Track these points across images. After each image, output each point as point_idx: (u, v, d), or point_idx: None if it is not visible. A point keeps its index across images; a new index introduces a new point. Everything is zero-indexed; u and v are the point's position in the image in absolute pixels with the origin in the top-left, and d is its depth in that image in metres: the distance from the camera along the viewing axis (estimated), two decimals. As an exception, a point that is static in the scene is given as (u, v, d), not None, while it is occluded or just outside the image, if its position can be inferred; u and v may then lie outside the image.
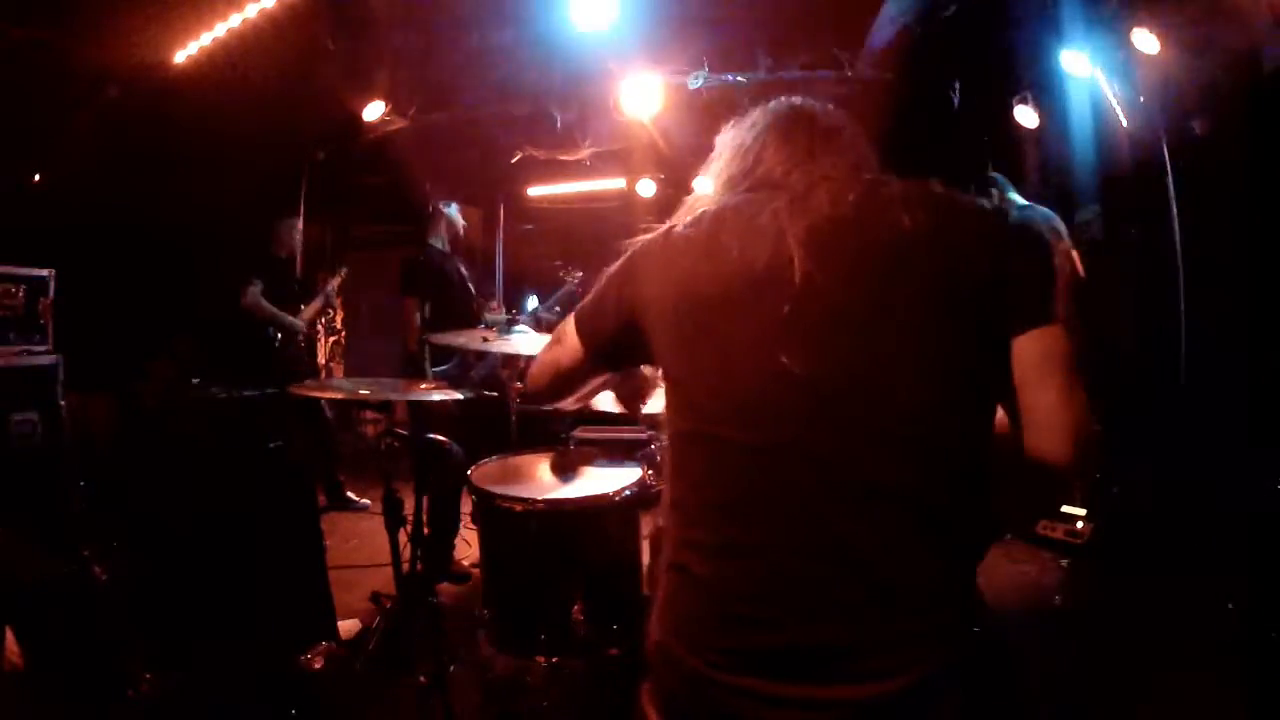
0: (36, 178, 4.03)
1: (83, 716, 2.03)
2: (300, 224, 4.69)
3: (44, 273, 3.32)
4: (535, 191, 6.91)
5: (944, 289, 0.92)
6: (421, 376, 3.37)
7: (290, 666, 2.18)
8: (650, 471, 2.08)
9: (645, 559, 2.05)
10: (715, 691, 0.91)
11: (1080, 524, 3.37)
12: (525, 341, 2.48)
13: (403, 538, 2.10)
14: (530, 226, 7.36)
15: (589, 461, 2.20)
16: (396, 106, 4.76)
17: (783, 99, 1.15)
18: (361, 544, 3.69)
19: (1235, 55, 3.24)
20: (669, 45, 4.21)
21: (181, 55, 3.80)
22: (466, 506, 3.29)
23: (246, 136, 4.18)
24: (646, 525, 2.04)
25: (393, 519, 2.06)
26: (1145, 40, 3.52)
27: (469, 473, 2.08)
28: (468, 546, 3.52)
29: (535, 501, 1.90)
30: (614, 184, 6.41)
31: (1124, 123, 3.97)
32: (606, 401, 1.62)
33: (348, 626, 2.64)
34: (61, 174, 3.98)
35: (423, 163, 4.99)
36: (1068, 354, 0.92)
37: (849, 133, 1.12)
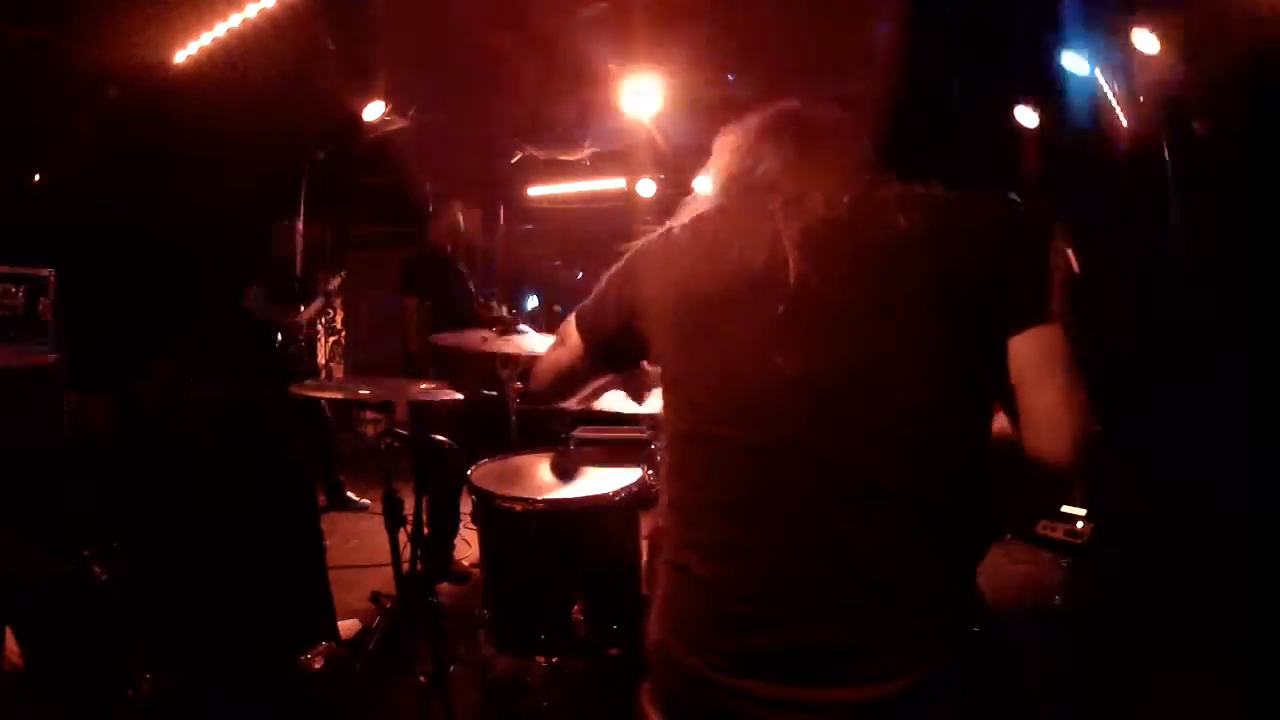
0: (36, 178, 4.03)
1: (83, 716, 2.03)
2: (300, 224, 4.69)
3: (44, 273, 3.33)
4: (535, 191, 6.91)
5: (943, 289, 0.92)
6: (421, 376, 3.37)
7: (290, 666, 2.18)
8: (650, 471, 2.08)
9: (645, 559, 2.05)
10: (715, 692, 0.91)
11: (1080, 524, 3.36)
12: (525, 342, 2.48)
13: (403, 538, 2.10)
14: (530, 226, 7.35)
15: (589, 461, 2.20)
16: (396, 106, 4.76)
17: (780, 102, 1.15)
18: (361, 544, 3.69)
19: (1235, 55, 3.24)
20: (669, 45, 4.21)
21: (181, 55, 3.79)
22: (466, 506, 3.30)
23: (246, 136, 4.18)
24: (646, 525, 2.04)
25: (393, 519, 2.07)
26: (1145, 40, 3.52)
27: (469, 473, 2.08)
28: (468, 546, 3.52)
29: (535, 501, 1.90)
30: (614, 184, 6.40)
31: (1124, 123, 3.98)
32: (608, 402, 1.63)
33: (348, 626, 2.64)
34: (61, 174, 3.98)
35: (423, 163, 4.99)
36: (1067, 353, 0.92)
37: (847, 134, 1.12)
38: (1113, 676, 2.34)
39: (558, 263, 6.73)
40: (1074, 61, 3.76)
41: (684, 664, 0.94)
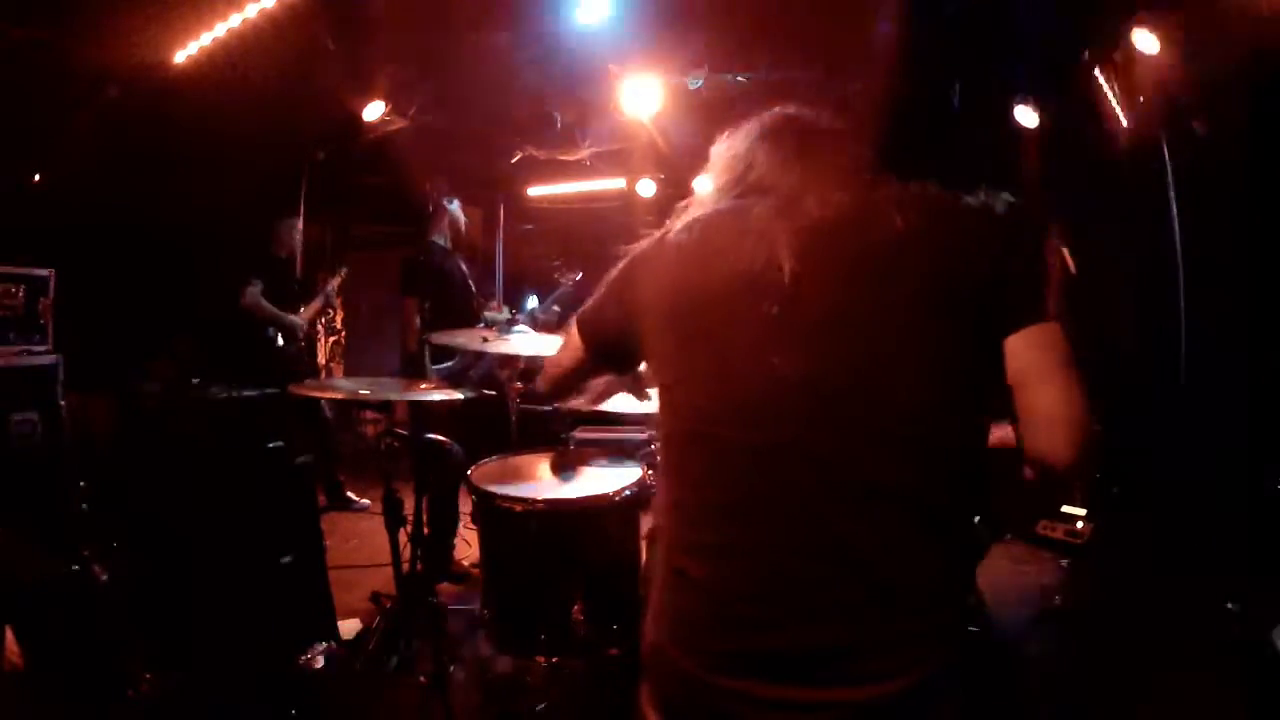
0: (36, 178, 4.03)
1: (83, 716, 2.03)
2: (300, 224, 4.69)
3: (44, 273, 3.33)
4: (535, 191, 6.90)
5: (942, 289, 0.92)
6: (421, 376, 3.37)
7: (290, 666, 2.18)
8: (650, 471, 2.08)
9: (645, 559, 2.05)
10: (712, 693, 0.91)
11: (1080, 524, 3.36)
12: (524, 341, 2.48)
13: (403, 538, 2.10)
14: (530, 226, 7.35)
15: (589, 461, 2.20)
16: (396, 106, 4.75)
17: (777, 108, 1.17)
18: (361, 544, 3.69)
19: (1235, 55, 3.24)
20: (669, 45, 4.21)
21: (181, 55, 3.79)
22: (466, 506, 3.30)
23: (246, 136, 4.18)
24: (646, 525, 2.04)
25: (393, 519, 2.07)
26: (1145, 40, 3.52)
27: (469, 473, 2.08)
28: (468, 546, 3.52)
29: (535, 501, 1.90)
30: (614, 184, 6.40)
31: (1124, 123, 3.97)
32: (609, 402, 1.63)
33: (348, 626, 2.64)
34: (61, 174, 3.97)
35: (423, 163, 4.98)
36: (1066, 351, 0.92)
37: (843, 138, 1.13)
38: (1113, 676, 2.34)
39: (558, 263, 6.71)
40: (1073, 62, 3.76)
41: (679, 665, 0.94)
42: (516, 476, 2.10)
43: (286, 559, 2.36)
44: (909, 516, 0.89)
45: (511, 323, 2.59)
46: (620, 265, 1.15)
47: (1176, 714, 2.18)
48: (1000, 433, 0.98)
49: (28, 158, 3.94)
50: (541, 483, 2.08)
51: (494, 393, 3.35)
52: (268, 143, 4.51)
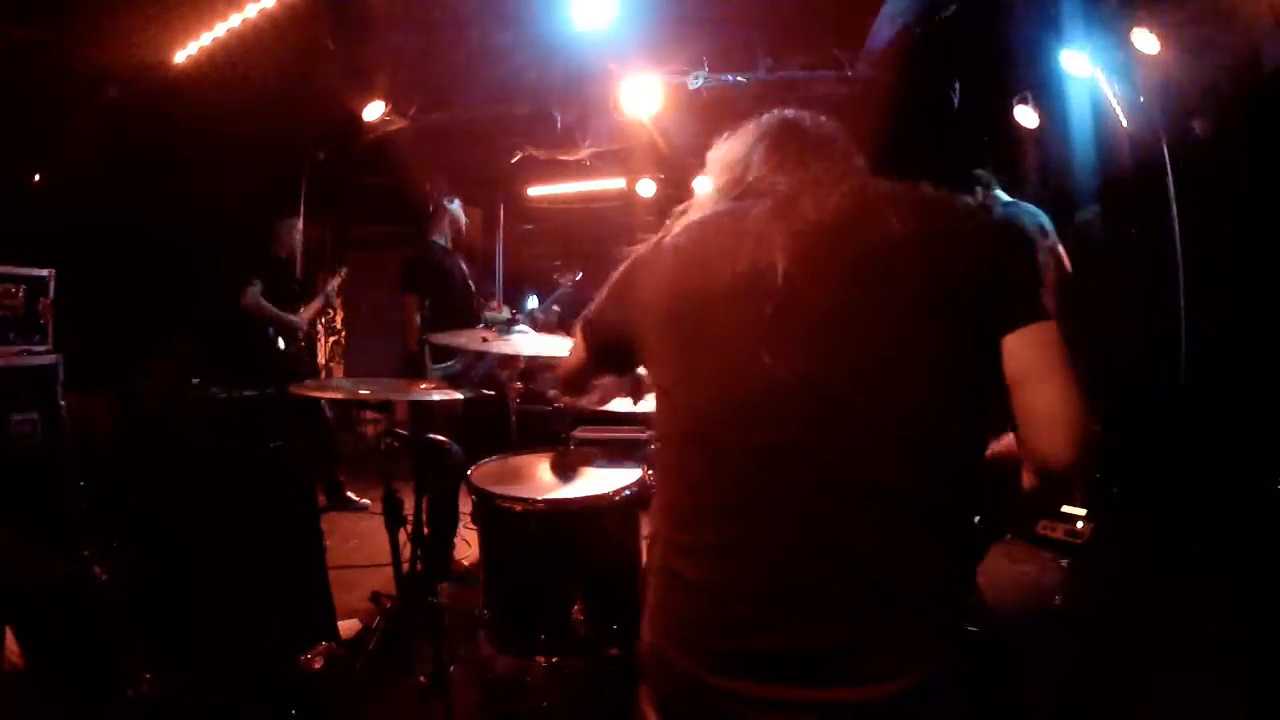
0: (36, 178, 4.03)
1: (83, 716, 2.03)
2: (300, 224, 4.68)
3: (44, 273, 3.33)
4: (535, 191, 6.91)
5: (941, 289, 0.92)
6: (422, 376, 3.37)
7: (290, 666, 2.17)
8: (650, 471, 2.08)
9: (645, 559, 2.05)
10: (710, 694, 0.91)
11: (1080, 524, 3.37)
12: (524, 341, 2.48)
13: (403, 538, 2.10)
14: (530, 226, 7.35)
15: (589, 461, 2.20)
16: (396, 106, 4.76)
17: (774, 111, 1.18)
18: (361, 544, 3.69)
19: (1235, 55, 3.24)
20: (669, 45, 4.21)
21: (181, 55, 3.79)
22: (466, 506, 3.30)
23: (246, 136, 4.18)
24: (646, 525, 2.03)
25: (393, 519, 2.07)
26: (1145, 40, 3.52)
27: (469, 473, 2.08)
28: (468, 546, 3.52)
29: (535, 501, 1.90)
30: (614, 184, 6.40)
31: (1124, 123, 3.98)
32: (610, 402, 1.64)
33: (348, 626, 2.63)
34: (61, 174, 3.97)
35: (423, 163, 4.98)
36: (1064, 350, 0.92)
37: (840, 142, 1.15)
38: (1113, 676, 2.34)
39: (558, 263, 6.71)
40: (1074, 61, 3.76)
41: (677, 666, 0.94)
42: (516, 476, 2.10)
43: (286, 559, 2.36)
44: (909, 516, 0.89)
45: (511, 322, 2.59)
46: (621, 268, 1.16)
47: (1176, 714, 2.18)
48: (1004, 442, 0.98)
49: (28, 158, 3.94)
50: (541, 483, 2.08)
51: (494, 393, 3.35)
52: (268, 143, 4.52)
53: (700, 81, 4.34)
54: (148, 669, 2.05)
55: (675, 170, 5.54)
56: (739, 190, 1.11)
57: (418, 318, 3.57)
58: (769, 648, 0.89)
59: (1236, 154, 3.38)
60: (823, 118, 1.17)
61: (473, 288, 3.84)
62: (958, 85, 4.39)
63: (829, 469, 0.89)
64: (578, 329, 1.25)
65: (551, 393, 2.85)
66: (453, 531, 3.39)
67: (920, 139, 3.89)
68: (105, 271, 3.75)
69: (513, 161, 5.77)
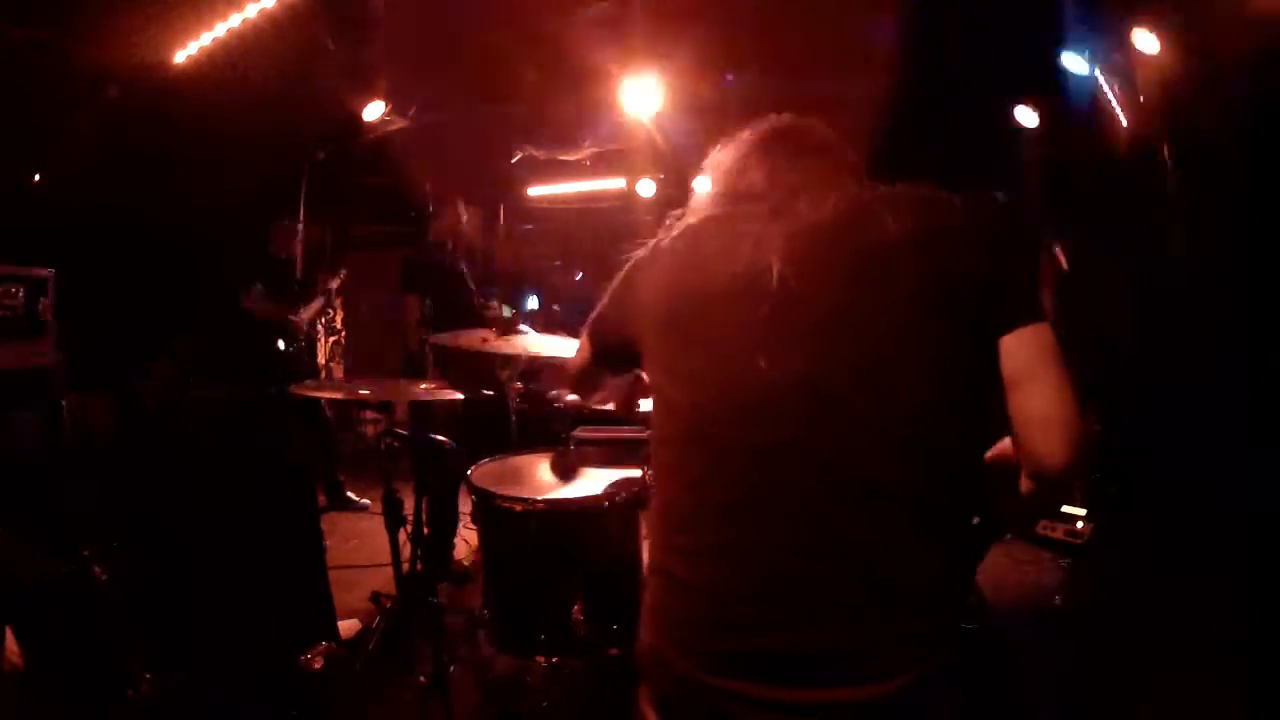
0: (36, 178, 4.03)
1: (83, 716, 2.03)
2: (300, 224, 4.69)
3: (44, 273, 3.33)
4: (535, 191, 6.90)
5: (939, 289, 0.92)
6: (422, 376, 3.37)
7: (290, 666, 2.17)
8: (650, 471, 2.08)
9: (645, 559, 2.05)
10: (709, 695, 0.91)
11: (1080, 524, 3.37)
12: (525, 341, 2.48)
13: (402, 538, 2.10)
14: (530, 226, 7.35)
15: (589, 461, 2.20)
16: (396, 106, 4.76)
17: (768, 117, 1.19)
18: (361, 544, 3.69)
19: (1235, 55, 3.24)
20: (669, 45, 4.21)
21: (181, 55, 3.79)
22: (466, 506, 3.30)
23: (246, 136, 4.18)
24: (646, 525, 2.04)
25: (393, 519, 2.07)
26: (1145, 40, 3.52)
27: (469, 473, 2.08)
28: (467, 546, 3.52)
29: (535, 501, 1.90)
30: (614, 184, 6.40)
31: (1124, 123, 3.97)
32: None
33: (348, 626, 2.63)
34: (61, 174, 3.97)
35: (423, 163, 4.98)
36: (1059, 351, 0.92)
37: (835, 146, 1.15)
38: (1113, 676, 2.34)
39: (558, 263, 6.72)
40: (1074, 61, 3.76)
41: (676, 666, 0.94)
42: (516, 476, 2.10)
43: (286, 559, 2.36)
44: (909, 516, 0.89)
45: (512, 322, 2.59)
46: (621, 272, 1.17)
47: (1176, 714, 2.18)
48: (1000, 445, 0.98)
49: (28, 158, 3.94)
50: (541, 483, 2.08)
51: (494, 393, 3.35)
52: (268, 143, 4.52)
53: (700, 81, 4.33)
54: (148, 669, 2.05)
55: (675, 170, 5.54)
56: (735, 194, 1.12)
57: (419, 317, 3.57)
58: (768, 648, 0.89)
59: (1236, 154, 3.38)
60: (816, 123, 1.18)
61: (472, 288, 3.84)
62: (957, 85, 4.39)
63: (828, 469, 0.89)
64: (584, 332, 1.27)
65: (553, 393, 2.86)
66: (453, 531, 3.39)
67: (920, 139, 3.89)
68: (105, 271, 3.75)
69: (513, 161, 5.77)
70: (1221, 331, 3.52)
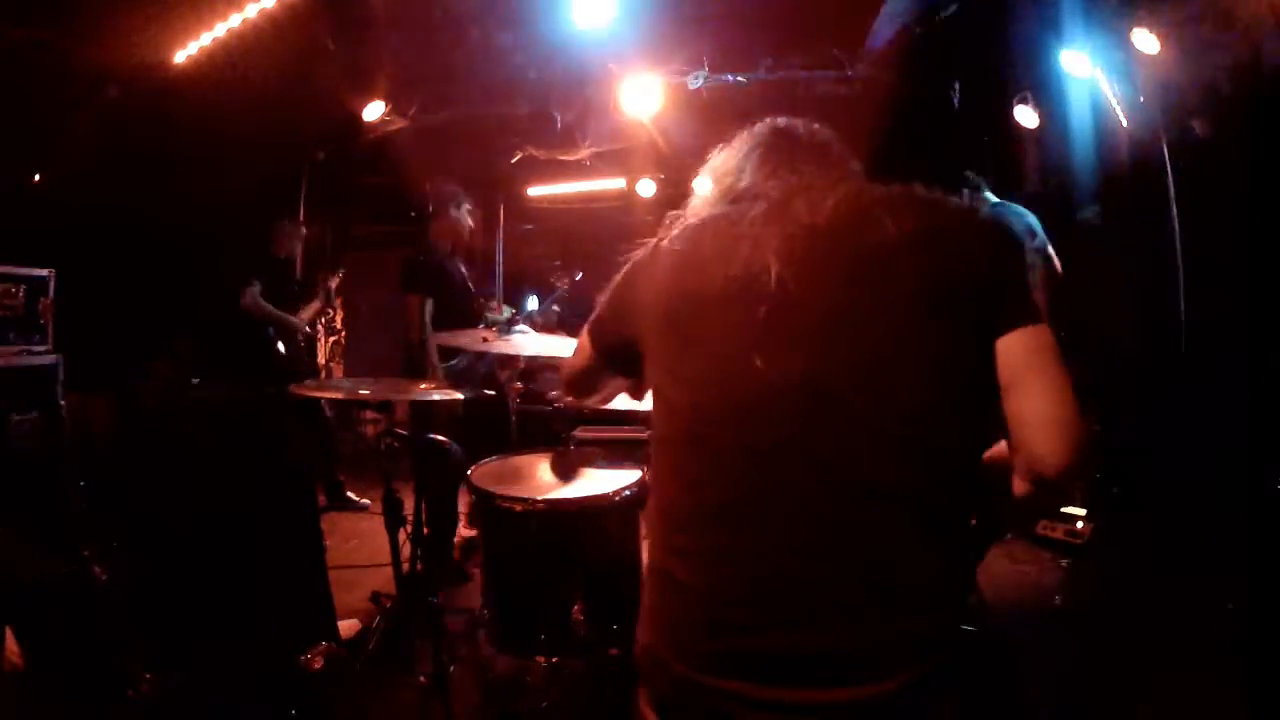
0: (36, 178, 4.03)
1: (83, 716, 2.03)
2: (301, 225, 4.69)
3: (44, 273, 3.33)
4: (535, 191, 6.91)
5: (940, 290, 0.92)
6: (422, 376, 3.37)
7: (290, 666, 2.17)
8: (650, 472, 2.08)
9: (645, 559, 2.05)
10: (708, 696, 0.91)
11: (1080, 524, 3.37)
12: (525, 342, 2.48)
13: (402, 538, 2.10)
14: (530, 226, 7.35)
15: (589, 461, 2.20)
16: (396, 106, 4.76)
17: (768, 119, 1.19)
18: (361, 544, 3.69)
19: (1235, 55, 3.25)
20: (669, 45, 4.21)
21: (181, 55, 3.79)
22: (464, 507, 3.30)
23: (246, 136, 4.18)
24: (646, 525, 2.04)
25: (393, 519, 2.07)
26: (1145, 40, 3.52)
27: (469, 473, 2.08)
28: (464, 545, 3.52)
29: (535, 501, 1.90)
30: (614, 184, 6.40)
31: (1124, 123, 3.98)
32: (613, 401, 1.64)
33: (348, 626, 2.63)
34: (61, 174, 3.97)
35: (423, 163, 4.98)
36: (1057, 353, 0.92)
37: (834, 147, 1.16)
38: (1113, 676, 2.34)
39: (558, 263, 6.71)
40: (1074, 61, 3.76)
41: (675, 667, 0.94)
42: (516, 476, 2.10)
43: (286, 559, 2.36)
44: (908, 517, 0.89)
45: (512, 323, 2.59)
46: (620, 273, 1.17)
47: (1176, 714, 2.18)
48: (996, 448, 0.98)
49: (28, 158, 3.94)
50: (541, 483, 2.08)
51: (494, 393, 3.35)
52: (268, 143, 4.52)
53: (700, 81, 4.34)
54: (148, 669, 2.05)
55: (675, 170, 5.54)
56: (734, 195, 1.12)
57: (420, 317, 3.57)
58: (768, 649, 0.89)
59: (1236, 154, 3.38)
60: (815, 125, 1.18)
61: (472, 288, 3.84)
62: (958, 85, 4.40)
63: (828, 469, 0.89)
64: (583, 332, 1.26)
65: (553, 393, 2.86)
66: (453, 531, 3.39)
67: (919, 140, 3.90)
68: (105, 271, 3.75)
69: (513, 161, 5.77)
70: (1221, 331, 3.53)
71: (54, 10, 3.41)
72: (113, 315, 3.78)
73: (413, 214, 5.59)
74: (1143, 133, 3.89)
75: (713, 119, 4.41)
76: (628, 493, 1.93)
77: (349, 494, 4.38)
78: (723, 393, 0.96)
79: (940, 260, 0.93)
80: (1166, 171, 3.78)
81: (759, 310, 0.94)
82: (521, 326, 2.54)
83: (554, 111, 4.92)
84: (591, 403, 1.41)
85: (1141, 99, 3.84)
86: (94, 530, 2.45)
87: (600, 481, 2.03)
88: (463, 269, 3.81)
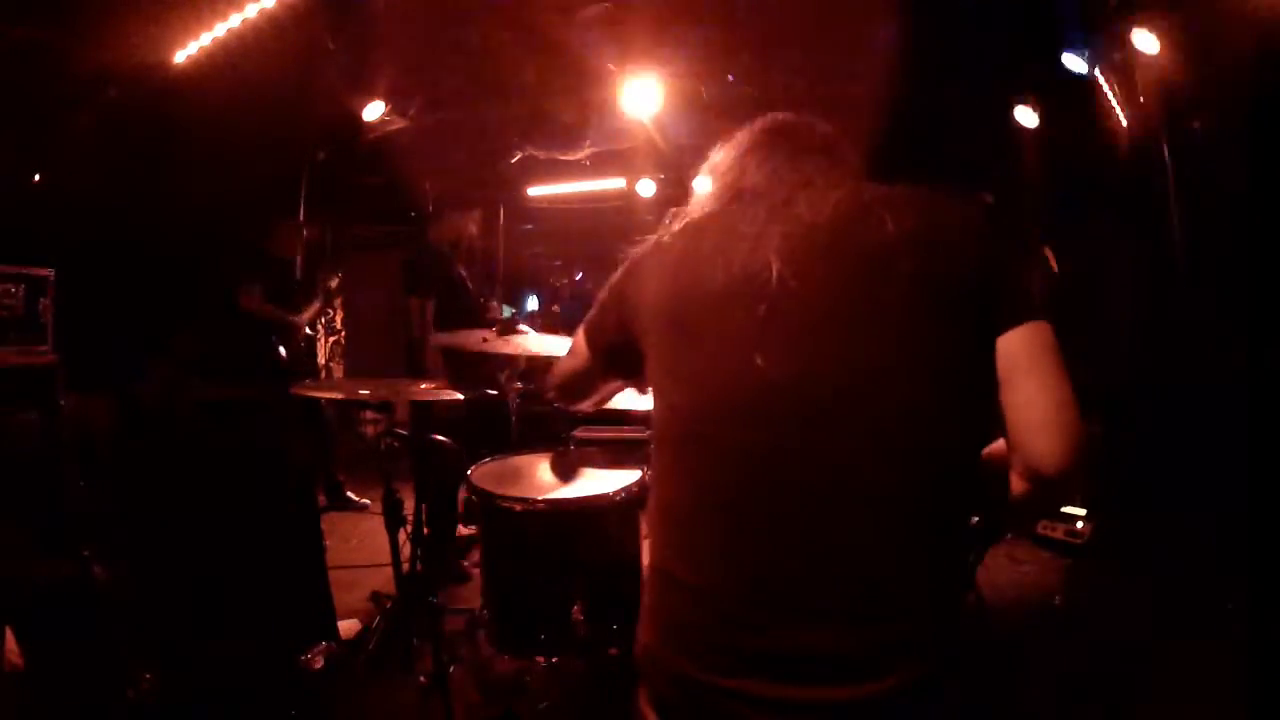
0: (36, 178, 4.03)
1: (83, 716, 2.03)
2: (302, 225, 4.69)
3: (44, 273, 3.32)
4: (535, 191, 6.91)
5: (938, 290, 0.92)
6: (422, 376, 3.37)
7: (290, 666, 2.17)
8: (650, 471, 2.08)
9: (645, 559, 2.05)
10: (708, 695, 0.91)
11: (1080, 524, 3.37)
12: (525, 342, 2.48)
13: (402, 538, 2.10)
14: (530, 226, 7.35)
15: (589, 461, 2.20)
16: (396, 106, 4.76)
17: (768, 115, 1.18)
18: (361, 544, 3.69)
19: (1235, 55, 3.24)
20: (669, 45, 4.21)
21: (181, 55, 3.79)
22: (462, 506, 3.30)
23: (246, 137, 4.18)
24: (646, 525, 2.04)
25: (393, 519, 2.07)
26: (1145, 40, 3.52)
27: (469, 473, 2.08)
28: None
29: (535, 501, 1.90)
30: (614, 184, 6.40)
31: (1124, 123, 3.98)
32: (610, 401, 1.63)
33: (348, 626, 2.64)
34: (61, 174, 3.97)
35: (423, 163, 4.98)
36: (1058, 352, 0.92)
37: (835, 145, 1.15)
38: (1113, 676, 2.34)
39: (558, 263, 6.72)
40: (1074, 61, 3.77)
41: (675, 667, 0.94)
42: (516, 476, 2.10)
43: (286, 559, 2.36)
44: (909, 516, 0.89)
45: (512, 322, 2.59)
46: (619, 270, 1.16)
47: (1176, 714, 2.18)
48: (994, 447, 0.98)
49: (28, 158, 3.94)
50: (541, 483, 2.08)
51: (495, 393, 3.35)
52: (268, 143, 4.51)
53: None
54: (148, 669, 2.05)
55: (675, 170, 5.55)
56: (735, 192, 1.11)
57: (422, 317, 3.57)
58: (768, 648, 0.89)
59: (1236, 154, 3.38)
60: (817, 121, 1.17)
61: (471, 289, 3.85)
62: (958, 85, 4.39)
63: (828, 469, 0.89)
64: (579, 334, 1.23)
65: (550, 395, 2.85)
66: (453, 531, 3.39)
67: (919, 139, 3.90)
68: (105, 271, 3.75)
69: (513, 161, 5.77)
70: (1221, 331, 3.52)
71: (54, 10, 3.41)
72: (113, 315, 3.78)
73: (413, 214, 5.61)
74: (1143, 133, 3.89)
75: (713, 119, 4.41)
76: (628, 493, 1.93)
77: (349, 494, 4.38)
78: (724, 392, 0.96)
79: (939, 259, 0.93)
80: (1166, 171, 3.78)
81: (759, 309, 0.94)
82: (522, 326, 2.54)
83: (554, 111, 4.92)
84: (584, 407, 1.37)
85: (1141, 99, 3.84)
86: (94, 530, 2.45)
87: (600, 481, 2.03)
88: (462, 271, 3.81)
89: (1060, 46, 3.77)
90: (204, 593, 2.17)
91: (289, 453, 2.59)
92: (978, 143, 4.43)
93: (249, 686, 2.09)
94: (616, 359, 1.18)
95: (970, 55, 4.06)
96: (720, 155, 1.18)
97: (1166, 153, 3.77)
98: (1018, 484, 0.93)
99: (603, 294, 1.18)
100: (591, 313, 1.21)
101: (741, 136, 1.17)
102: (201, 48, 3.75)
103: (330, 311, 6.50)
